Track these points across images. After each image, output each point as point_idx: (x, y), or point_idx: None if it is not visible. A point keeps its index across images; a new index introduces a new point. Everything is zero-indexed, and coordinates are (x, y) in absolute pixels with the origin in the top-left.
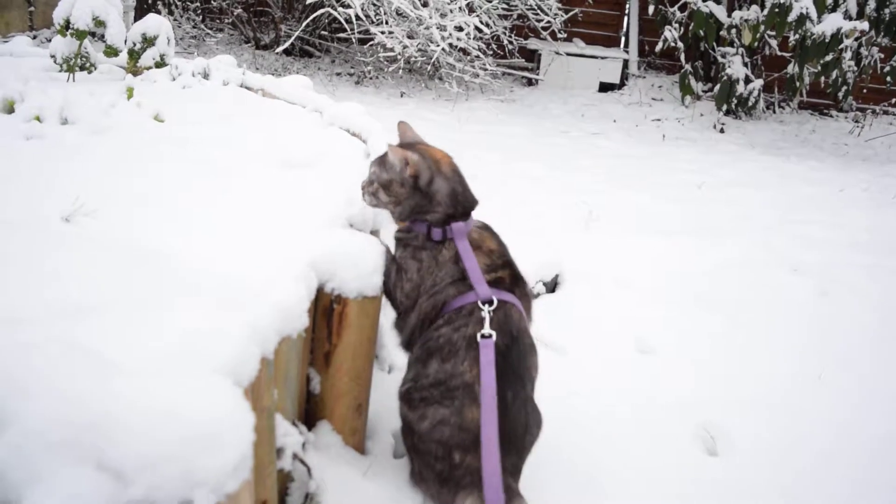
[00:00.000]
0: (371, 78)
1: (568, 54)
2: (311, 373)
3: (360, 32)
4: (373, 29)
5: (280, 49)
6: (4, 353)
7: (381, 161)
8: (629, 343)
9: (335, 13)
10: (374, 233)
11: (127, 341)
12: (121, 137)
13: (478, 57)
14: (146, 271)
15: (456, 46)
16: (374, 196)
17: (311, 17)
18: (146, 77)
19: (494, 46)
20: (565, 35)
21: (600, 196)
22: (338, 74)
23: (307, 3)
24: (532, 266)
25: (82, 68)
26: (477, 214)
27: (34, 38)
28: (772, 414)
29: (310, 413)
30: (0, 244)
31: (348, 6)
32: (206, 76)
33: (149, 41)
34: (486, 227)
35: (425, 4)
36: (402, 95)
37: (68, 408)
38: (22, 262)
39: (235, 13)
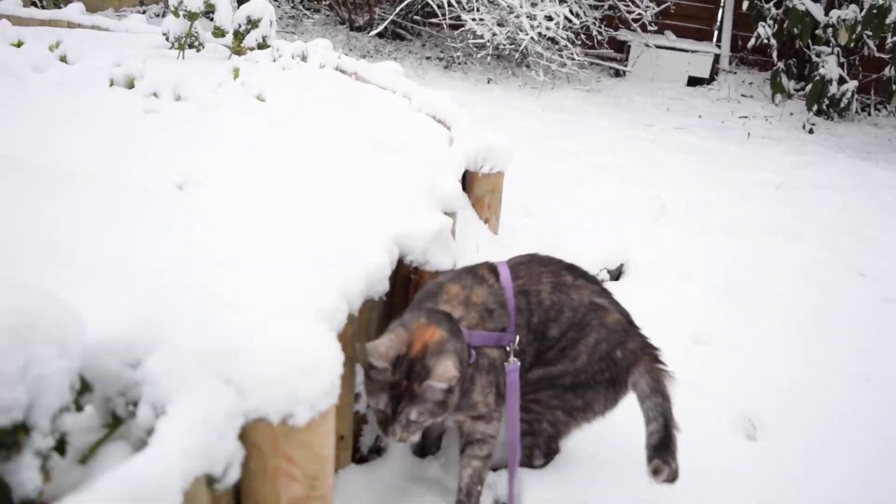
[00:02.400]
0: (460, 63)
1: (657, 46)
2: None
3: (451, 18)
4: (464, 15)
5: (374, 32)
6: (157, 295)
7: (413, 398)
8: (685, 333)
9: None
10: (451, 214)
11: (246, 291)
12: (227, 114)
13: (566, 46)
14: (251, 236)
15: (545, 35)
16: (422, 429)
17: (405, 2)
18: (249, 57)
19: (583, 36)
20: (656, 27)
21: (676, 191)
22: (427, 58)
23: None
24: (599, 253)
25: (191, 46)
26: (556, 203)
27: (143, 13)
28: (814, 407)
29: None
30: (125, 204)
31: None
32: (304, 59)
33: (253, 23)
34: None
35: None
36: (488, 82)
37: (205, 337)
38: (145, 220)
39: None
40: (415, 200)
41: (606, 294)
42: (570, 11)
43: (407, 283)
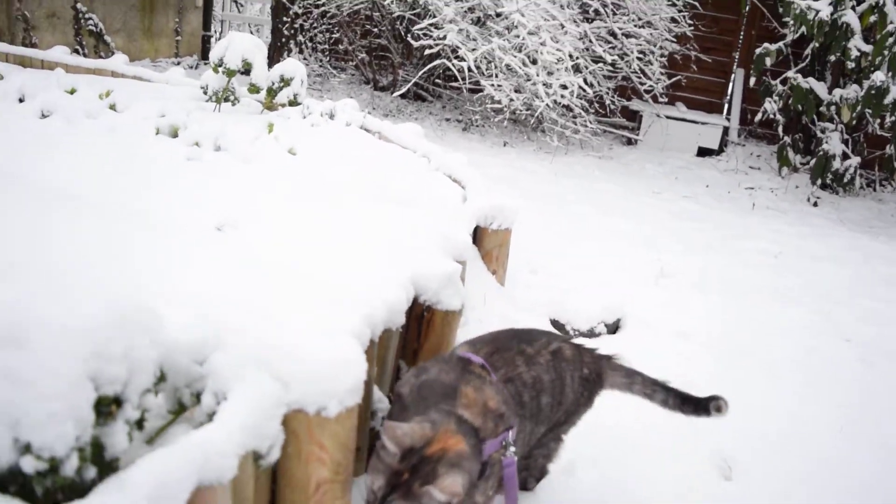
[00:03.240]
0: (477, 126)
1: (668, 117)
2: (402, 364)
3: (470, 83)
4: (483, 81)
5: (397, 93)
6: (217, 308)
7: (407, 496)
8: (675, 383)
9: (449, 64)
10: (462, 263)
11: (287, 315)
12: (262, 165)
13: (580, 114)
14: (286, 272)
15: (560, 102)
16: None
17: (429, 66)
18: (281, 113)
19: (597, 105)
20: (667, 99)
21: (677, 255)
22: (447, 120)
23: (425, 53)
24: (597, 308)
25: (227, 100)
26: (562, 261)
27: (178, 63)
28: (792, 454)
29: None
30: (165, 243)
31: (462, 59)
32: (331, 117)
33: (285, 82)
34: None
35: (534, 62)
36: (504, 145)
37: (260, 342)
38: (186, 259)
39: (359, 56)
40: (430, 249)
41: (548, 335)
42: (585, 81)
43: (420, 319)
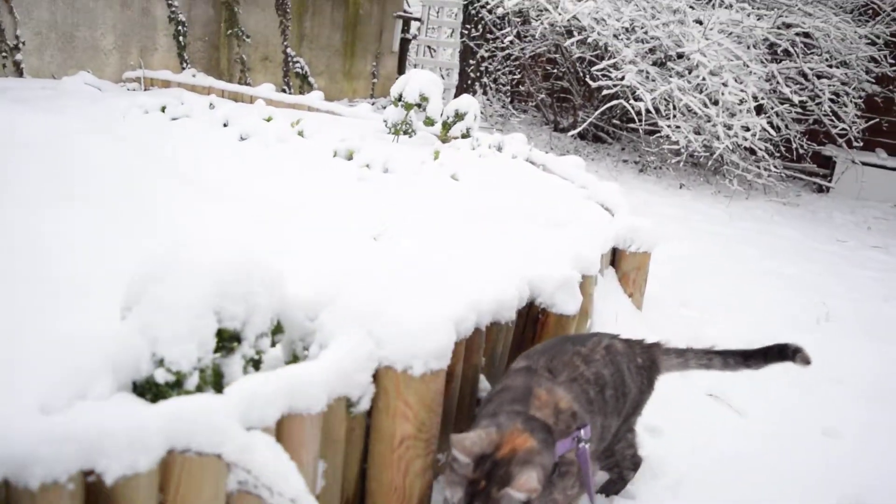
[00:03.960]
0: (654, 168)
1: (865, 164)
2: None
3: (648, 124)
4: (661, 122)
5: (574, 132)
6: (338, 276)
7: (489, 501)
8: (818, 428)
9: (627, 105)
10: (589, 277)
11: (400, 291)
12: (424, 187)
13: (763, 157)
14: (420, 266)
15: (741, 145)
16: None
17: (606, 106)
18: (452, 144)
19: (783, 149)
20: (864, 144)
21: (848, 302)
22: (624, 161)
23: (603, 93)
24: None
25: (405, 133)
26: (714, 298)
27: (373, 104)
28: None
29: None
30: (314, 236)
31: (640, 99)
32: (499, 149)
33: (459, 116)
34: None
35: (715, 103)
36: (680, 187)
37: (364, 307)
38: (347, 257)
39: (540, 97)
40: (557, 260)
41: (598, 334)
42: (770, 123)
43: (535, 321)
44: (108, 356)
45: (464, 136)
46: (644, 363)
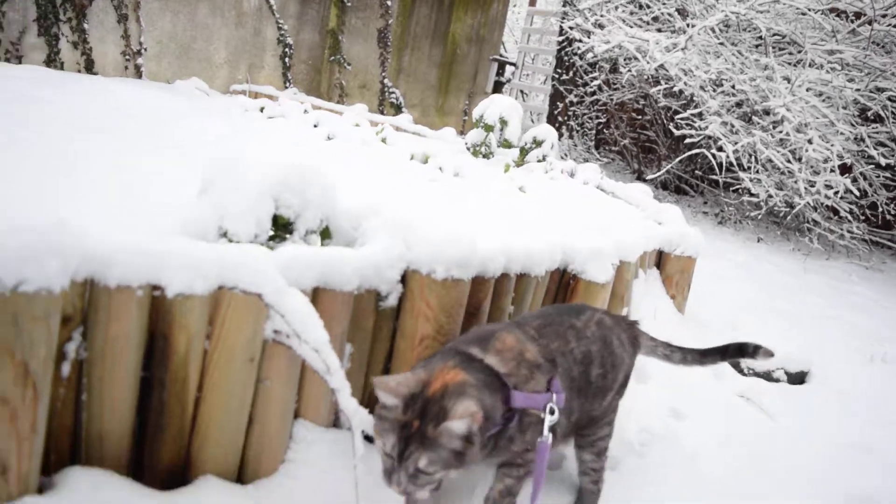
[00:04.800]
0: (733, 221)
1: None
2: None
3: (729, 176)
4: (742, 174)
5: (653, 176)
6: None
7: (424, 443)
8: (851, 448)
9: (709, 154)
10: (626, 263)
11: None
12: (491, 192)
13: (847, 219)
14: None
15: (824, 203)
16: (433, 484)
17: (687, 154)
18: (526, 168)
19: (868, 213)
20: None
21: None
22: (704, 213)
23: (685, 142)
24: (777, 353)
25: (483, 155)
26: (765, 327)
27: (461, 133)
28: None
29: None
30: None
31: (722, 150)
32: (571, 175)
33: (537, 143)
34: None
35: (799, 159)
36: (758, 240)
37: (401, 218)
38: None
39: (624, 143)
40: (599, 241)
41: (592, 309)
42: (858, 187)
43: (567, 287)
44: (185, 222)
45: (538, 162)
46: (629, 338)
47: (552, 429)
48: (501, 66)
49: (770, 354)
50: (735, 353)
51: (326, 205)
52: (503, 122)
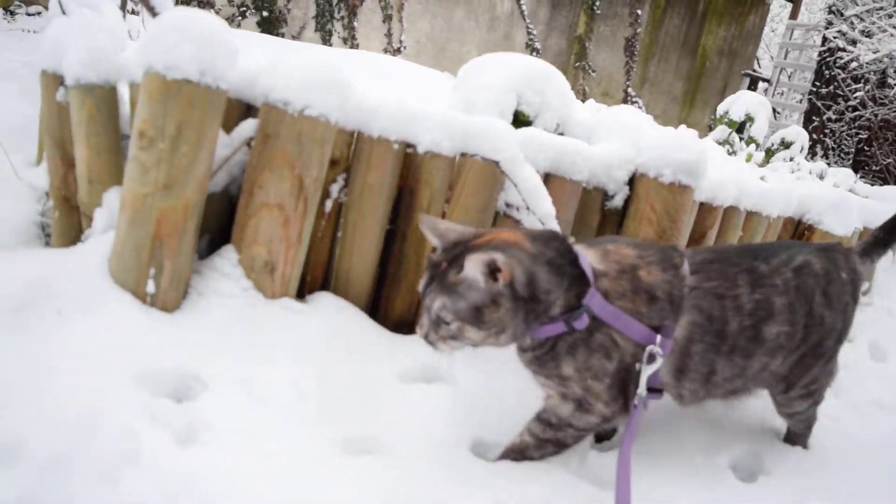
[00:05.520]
0: None
1: None
2: None
3: None
4: None
5: None
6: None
7: (443, 286)
8: None
9: None
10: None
11: None
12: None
13: None
14: None
15: None
16: (455, 340)
17: None
18: (770, 167)
19: None
20: None
21: None
22: None
23: None
24: None
25: (729, 154)
26: None
27: None
28: None
29: None
30: None
31: None
32: (821, 178)
33: (785, 145)
34: (607, 248)
35: None
36: None
37: (630, 121)
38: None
39: (884, 162)
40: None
41: (794, 246)
42: None
43: (801, 237)
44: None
45: (785, 162)
46: (848, 277)
47: (655, 387)
48: (753, 81)
49: None
50: None
51: (563, 110)
52: (749, 119)
